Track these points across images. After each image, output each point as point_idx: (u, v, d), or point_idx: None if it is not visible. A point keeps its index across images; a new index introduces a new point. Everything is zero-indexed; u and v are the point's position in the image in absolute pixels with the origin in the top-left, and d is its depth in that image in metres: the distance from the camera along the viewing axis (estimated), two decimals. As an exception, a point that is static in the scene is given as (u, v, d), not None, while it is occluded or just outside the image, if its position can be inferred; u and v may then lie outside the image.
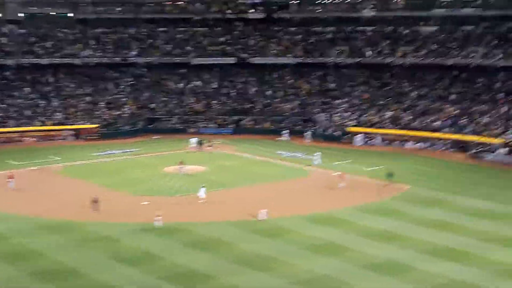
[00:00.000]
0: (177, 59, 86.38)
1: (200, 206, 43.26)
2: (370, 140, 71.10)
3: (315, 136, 72.90)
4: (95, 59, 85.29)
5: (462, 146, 66.36)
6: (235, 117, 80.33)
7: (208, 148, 65.68)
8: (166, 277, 30.51)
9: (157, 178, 52.57)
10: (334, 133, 73.27)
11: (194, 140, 66.97)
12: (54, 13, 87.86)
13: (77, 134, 74.24)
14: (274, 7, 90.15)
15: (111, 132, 75.19)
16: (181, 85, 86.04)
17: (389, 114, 74.39)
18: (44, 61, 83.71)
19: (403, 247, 34.86)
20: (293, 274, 30.92)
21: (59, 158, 60.75)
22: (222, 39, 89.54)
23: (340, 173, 51.32)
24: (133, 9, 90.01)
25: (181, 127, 78.58)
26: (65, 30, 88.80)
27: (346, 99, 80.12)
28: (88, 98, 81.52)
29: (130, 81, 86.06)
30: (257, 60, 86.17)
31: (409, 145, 69.33)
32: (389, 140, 70.67)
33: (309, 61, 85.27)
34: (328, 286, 29.80)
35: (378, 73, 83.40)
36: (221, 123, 79.57)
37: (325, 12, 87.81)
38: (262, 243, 35.53)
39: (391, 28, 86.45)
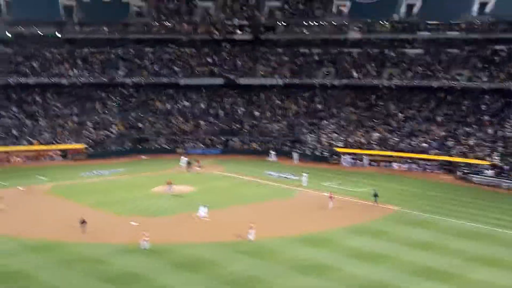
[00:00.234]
0: (165, 79, 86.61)
1: (188, 227, 43.03)
2: (358, 161, 71.55)
3: (302, 157, 73.20)
4: (82, 79, 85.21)
5: (449, 168, 66.93)
6: (223, 138, 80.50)
7: (197, 168, 65.66)
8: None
9: (145, 198, 52.26)
10: (322, 154, 73.53)
11: (184, 160, 66.98)
12: (42, 33, 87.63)
13: (65, 154, 74.01)
14: (261, 29, 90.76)
15: (98, 152, 75.00)
16: (169, 105, 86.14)
17: (376, 135, 74.91)
18: (31, 80, 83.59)
19: (389, 268, 34.95)
20: (281, 295, 30.74)
21: (46, 178, 60.35)
22: (209, 59, 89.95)
23: (328, 193, 51.43)
24: (120, 29, 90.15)
25: (169, 147, 78.60)
26: (53, 50, 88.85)
27: (333, 120, 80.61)
28: (75, 118, 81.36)
29: (118, 101, 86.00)
30: (245, 81, 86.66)
31: (396, 166, 69.83)
32: (376, 162, 71.17)
33: (296, 82, 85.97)
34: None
35: (365, 95, 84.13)
36: (209, 144, 79.69)
37: (312, 34, 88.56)
38: (250, 264, 35.35)
39: (377, 50, 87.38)
